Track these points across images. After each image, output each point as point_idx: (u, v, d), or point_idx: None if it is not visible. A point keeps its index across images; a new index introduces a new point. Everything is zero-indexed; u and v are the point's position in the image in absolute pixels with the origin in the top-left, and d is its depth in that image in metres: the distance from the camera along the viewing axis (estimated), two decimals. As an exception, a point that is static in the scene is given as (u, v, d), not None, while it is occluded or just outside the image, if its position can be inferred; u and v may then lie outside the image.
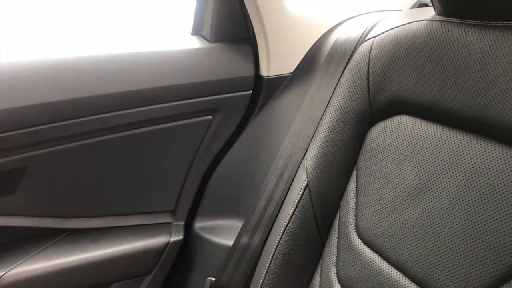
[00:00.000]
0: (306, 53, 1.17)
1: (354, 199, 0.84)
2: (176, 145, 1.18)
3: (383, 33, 0.82)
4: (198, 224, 1.26)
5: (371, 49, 0.83)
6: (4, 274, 1.04)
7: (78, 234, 1.18)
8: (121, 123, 1.10)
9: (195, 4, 1.18)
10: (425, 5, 1.11)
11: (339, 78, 0.91)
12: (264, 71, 1.18)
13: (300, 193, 0.90)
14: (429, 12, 0.77)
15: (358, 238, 0.80)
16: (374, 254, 0.75)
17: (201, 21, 1.20)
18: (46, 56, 1.03)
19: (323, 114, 0.92)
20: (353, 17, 1.16)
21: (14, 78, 0.99)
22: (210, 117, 1.18)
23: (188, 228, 1.27)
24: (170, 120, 1.15)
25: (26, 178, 1.07)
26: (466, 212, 0.62)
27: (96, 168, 1.13)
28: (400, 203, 0.72)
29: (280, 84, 1.19)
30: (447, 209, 0.64)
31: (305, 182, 0.89)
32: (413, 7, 1.20)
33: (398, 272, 0.70)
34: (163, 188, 1.23)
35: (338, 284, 0.82)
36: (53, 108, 1.02)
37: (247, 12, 1.11)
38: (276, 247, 0.92)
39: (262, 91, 1.19)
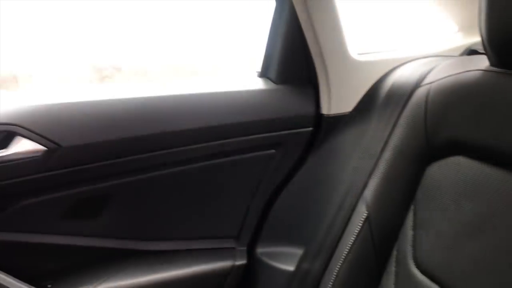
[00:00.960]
0: (364, 94, 1.26)
1: (412, 232, 0.90)
2: (242, 176, 1.29)
3: (439, 80, 0.90)
4: (260, 250, 1.35)
5: (428, 95, 0.91)
6: None
7: (151, 255, 1.30)
8: (192, 156, 1.22)
9: (264, 50, 1.30)
10: (475, 51, 1.17)
11: (397, 119, 0.99)
12: (325, 110, 1.27)
13: (360, 224, 0.98)
14: (482, 62, 0.84)
15: (416, 268, 0.87)
16: (433, 283, 0.81)
17: (268, 64, 1.32)
18: (130, 95, 1.18)
19: (382, 151, 1.00)
20: (408, 62, 1.25)
21: (102, 114, 1.13)
22: (274, 151, 1.29)
23: (250, 253, 1.36)
24: (237, 153, 1.26)
25: (109, 204, 1.20)
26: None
27: (168, 196, 1.26)
28: (460, 238, 0.78)
29: (339, 122, 1.28)
30: (510, 246, 0.70)
31: (365, 214, 0.97)
32: (462, 53, 1.28)
33: None
34: (228, 215, 1.34)
35: (397, 310, 0.89)
36: (135, 142, 1.15)
37: (311, 56, 1.22)
38: (337, 275, 1.00)
39: (322, 128, 1.28)
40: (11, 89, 2.70)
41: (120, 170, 1.18)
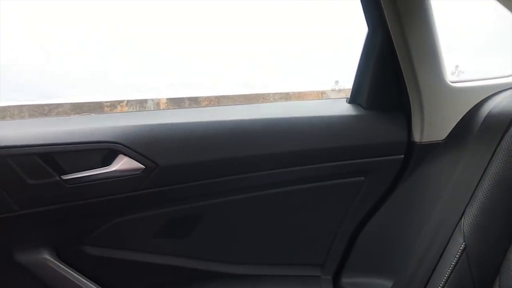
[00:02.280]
0: (459, 122, 1.21)
1: (517, 266, 0.84)
2: (329, 202, 1.28)
3: None
4: (346, 280, 1.32)
5: None
6: None
7: (235, 279, 1.31)
8: (281, 180, 1.23)
9: (354, 75, 1.31)
10: None
11: (496, 147, 0.95)
12: (417, 137, 1.24)
13: (457, 256, 0.93)
14: None
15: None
16: None
17: (358, 90, 1.31)
18: (225, 117, 1.22)
19: (480, 180, 0.95)
20: (504, 90, 1.20)
21: (198, 136, 1.18)
22: (362, 178, 1.27)
23: (336, 282, 1.33)
24: (325, 179, 1.25)
25: (199, 224, 1.24)
26: None
27: (256, 220, 1.27)
28: None
29: (432, 149, 1.23)
30: None
31: (463, 245, 0.92)
32: None
33: None
34: (315, 242, 1.32)
35: None
36: (228, 163, 1.18)
37: (404, 82, 1.20)
38: None
39: (414, 156, 1.25)
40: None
41: (212, 191, 1.21)
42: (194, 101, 3.17)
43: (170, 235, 1.24)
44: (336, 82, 3.41)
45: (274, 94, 3.34)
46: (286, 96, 3.33)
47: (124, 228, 1.19)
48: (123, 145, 1.12)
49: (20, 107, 2.90)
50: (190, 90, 3.17)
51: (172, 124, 1.18)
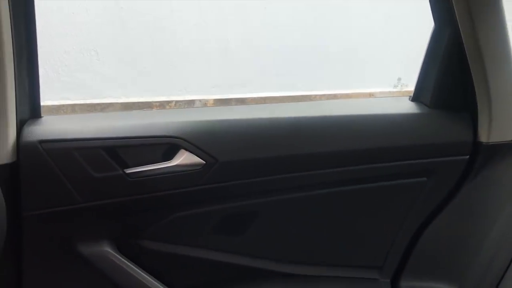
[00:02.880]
0: None
1: None
2: (390, 203, 1.25)
3: None
4: (405, 283, 1.28)
5: None
6: None
7: (290, 278, 1.30)
8: (340, 179, 1.21)
9: (419, 73, 1.27)
10: None
11: None
12: (484, 138, 1.19)
13: None
14: None
15: None
16: None
17: (422, 88, 1.27)
18: (284, 114, 1.21)
19: None
20: None
21: (257, 132, 1.17)
22: (425, 178, 1.23)
23: (394, 286, 1.29)
24: (387, 179, 1.22)
25: (255, 221, 1.23)
26: None
27: (314, 219, 1.25)
28: None
29: (499, 150, 1.18)
30: None
31: None
32: None
33: None
34: (373, 244, 1.29)
35: None
36: (286, 160, 1.17)
37: (472, 81, 1.16)
38: None
39: (480, 157, 1.20)
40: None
41: (270, 188, 1.20)
42: (241, 102, 3.18)
43: (227, 231, 1.24)
44: (399, 79, 3.34)
45: (321, 95, 3.31)
46: (333, 97, 3.30)
47: (182, 223, 1.20)
48: (185, 140, 1.12)
49: (73, 106, 2.99)
50: (237, 91, 3.18)
51: (232, 120, 1.17)
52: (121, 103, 3.06)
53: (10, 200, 1.04)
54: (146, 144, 1.11)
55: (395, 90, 3.46)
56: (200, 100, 3.14)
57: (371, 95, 3.41)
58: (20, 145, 1.05)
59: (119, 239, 1.19)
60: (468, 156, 1.21)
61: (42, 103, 2.76)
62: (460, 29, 1.11)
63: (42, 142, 1.05)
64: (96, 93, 3.07)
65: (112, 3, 3.00)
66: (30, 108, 1.14)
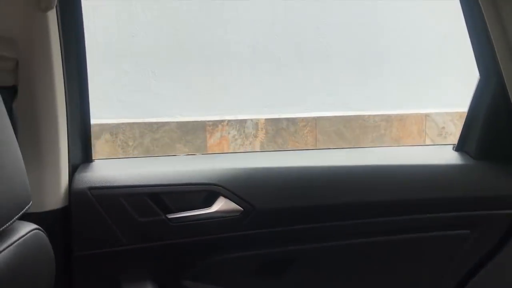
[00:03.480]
0: None
1: None
2: (431, 254, 1.22)
3: None
4: None
5: None
6: None
7: None
8: (378, 230, 1.20)
9: (463, 123, 1.24)
10: None
11: None
12: (532, 192, 1.15)
13: None
14: None
15: None
16: None
17: (467, 137, 1.24)
18: (323, 163, 1.22)
19: None
20: None
21: (294, 181, 1.19)
22: (468, 231, 1.20)
23: None
24: (429, 230, 1.20)
25: (292, 268, 1.25)
26: None
27: (350, 268, 1.25)
28: None
29: None
30: None
31: None
32: None
33: None
34: None
35: None
36: (325, 209, 1.18)
37: None
38: None
39: None
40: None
41: (307, 237, 1.21)
42: (292, 122, 3.19)
43: (264, 277, 1.26)
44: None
45: (375, 116, 3.26)
46: (387, 119, 3.24)
47: (222, 266, 1.24)
48: (224, 187, 1.16)
49: (131, 125, 3.12)
50: (288, 111, 3.20)
51: (269, 169, 1.20)
52: (177, 122, 3.16)
53: (62, 241, 1.12)
54: (187, 191, 1.17)
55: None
56: (251, 120, 3.19)
57: (427, 116, 3.32)
58: (72, 191, 1.13)
59: (162, 279, 1.24)
60: None
61: (102, 121, 2.90)
62: (506, 81, 1.08)
63: (91, 188, 1.13)
64: (153, 112, 3.19)
65: (169, 26, 3.12)
66: (82, 153, 1.22)
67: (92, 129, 3.06)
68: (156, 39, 3.16)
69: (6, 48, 0.95)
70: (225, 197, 1.17)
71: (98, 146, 3.08)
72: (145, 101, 3.22)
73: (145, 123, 3.12)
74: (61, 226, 1.12)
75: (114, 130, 3.09)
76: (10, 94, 1.00)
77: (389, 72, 3.44)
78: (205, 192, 1.17)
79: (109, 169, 1.21)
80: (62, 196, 1.12)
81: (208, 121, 3.16)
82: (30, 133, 1.04)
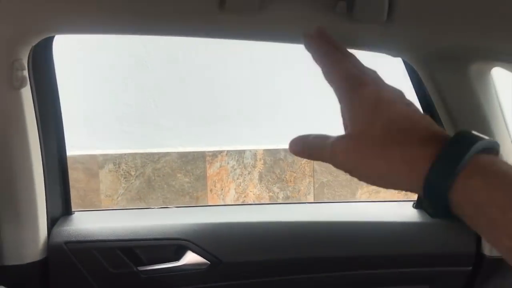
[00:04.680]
0: None
1: None
2: None
3: None
4: None
5: None
6: None
7: None
8: (341, 283, 1.25)
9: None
10: None
11: None
12: (487, 250, 1.18)
13: None
14: None
15: None
16: None
17: (425, 196, 1.29)
18: (286, 218, 1.27)
19: None
20: None
21: (259, 235, 1.25)
22: (427, 286, 1.24)
23: None
24: (390, 285, 1.25)
25: None
26: None
27: None
28: None
29: (502, 264, 1.17)
30: None
31: None
32: None
33: None
34: None
35: None
36: (287, 263, 1.24)
37: None
38: None
39: (483, 269, 1.19)
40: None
41: None
42: (289, 152, 3.24)
43: None
44: None
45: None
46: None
47: None
48: (191, 242, 1.23)
49: (134, 155, 3.22)
50: (285, 143, 3.26)
51: (236, 223, 1.26)
52: (177, 152, 3.25)
53: (40, 293, 1.20)
54: (158, 245, 1.23)
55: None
56: (250, 150, 3.26)
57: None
58: (49, 245, 1.20)
59: None
60: (471, 268, 1.21)
61: (105, 152, 2.99)
62: None
63: (67, 242, 1.21)
64: (155, 143, 3.28)
65: (171, 59, 3.22)
66: (62, 205, 1.30)
67: (96, 159, 3.16)
68: (158, 73, 3.27)
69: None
70: (193, 251, 1.23)
71: (102, 176, 3.19)
72: (147, 132, 3.32)
73: (147, 154, 3.21)
74: (39, 278, 1.20)
75: (117, 160, 3.19)
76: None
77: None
78: (174, 246, 1.24)
79: (86, 222, 1.28)
80: (41, 248, 1.20)
81: (208, 151, 3.24)
82: (8, 196, 1.12)
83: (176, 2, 0.85)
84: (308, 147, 0.48)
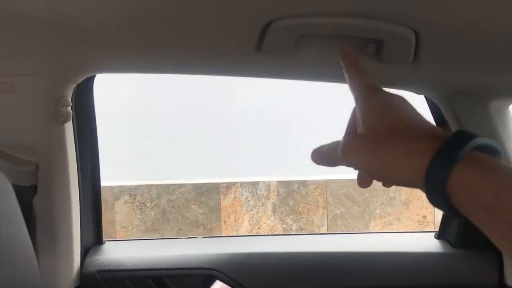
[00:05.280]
0: None
1: None
2: None
3: None
4: None
5: None
6: None
7: None
8: None
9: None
10: None
11: None
12: (509, 280, 1.21)
13: None
14: None
15: None
16: None
17: (447, 226, 1.32)
18: (311, 249, 1.31)
19: None
20: None
21: (287, 265, 1.28)
22: None
23: None
24: None
25: None
26: None
27: None
28: None
29: None
30: None
31: None
32: None
33: None
34: None
35: None
36: None
37: None
38: None
39: None
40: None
41: None
42: (303, 184, 3.29)
43: None
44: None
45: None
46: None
47: None
48: (220, 272, 1.26)
49: (149, 186, 3.27)
50: (298, 173, 3.31)
51: (264, 254, 1.30)
52: (192, 184, 3.30)
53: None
54: (187, 274, 1.27)
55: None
56: (264, 182, 3.30)
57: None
58: (82, 274, 1.24)
59: None
60: None
61: (121, 183, 3.04)
62: None
63: (100, 271, 1.25)
64: (170, 175, 3.34)
65: (185, 92, 3.31)
66: (94, 235, 1.35)
67: (112, 191, 3.21)
68: (174, 106, 3.36)
69: (27, 154, 1.10)
70: (222, 281, 1.26)
71: (118, 207, 3.24)
72: (163, 163, 3.38)
73: (162, 185, 3.26)
74: None
75: (132, 191, 3.24)
76: (31, 192, 1.14)
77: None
78: (203, 275, 1.27)
79: (117, 252, 1.32)
80: (74, 276, 1.24)
81: (222, 183, 3.29)
82: (47, 224, 1.17)
83: (214, 43, 0.91)
84: (325, 152, 0.55)
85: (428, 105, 1.22)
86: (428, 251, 1.29)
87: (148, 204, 3.27)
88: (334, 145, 0.53)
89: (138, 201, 3.26)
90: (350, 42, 0.88)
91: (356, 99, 0.55)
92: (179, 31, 0.84)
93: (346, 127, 0.59)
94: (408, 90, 1.08)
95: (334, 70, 0.97)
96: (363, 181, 0.57)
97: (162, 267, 1.27)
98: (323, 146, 0.56)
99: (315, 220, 3.35)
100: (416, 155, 0.44)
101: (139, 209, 3.27)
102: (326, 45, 0.90)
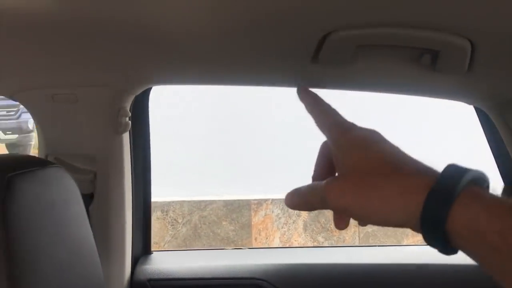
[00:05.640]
0: None
1: None
2: None
3: None
4: None
5: None
6: None
7: None
8: None
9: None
10: None
11: None
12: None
13: None
14: None
15: None
16: None
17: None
18: (361, 260, 1.31)
19: None
20: None
21: (334, 276, 1.28)
22: None
23: None
24: None
25: None
26: None
27: None
28: None
29: None
30: None
31: None
32: None
33: None
34: None
35: None
36: None
37: None
38: None
39: None
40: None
41: None
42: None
43: None
44: None
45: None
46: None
47: None
48: (268, 282, 1.27)
49: (181, 203, 3.31)
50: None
51: (311, 265, 1.31)
52: (223, 200, 3.33)
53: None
54: (235, 284, 1.28)
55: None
56: (295, 199, 3.30)
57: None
58: (133, 282, 1.27)
59: None
60: None
61: (154, 199, 3.09)
62: None
63: (150, 280, 1.27)
64: (201, 191, 3.38)
65: (217, 111, 3.37)
66: (143, 245, 1.38)
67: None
68: (205, 123, 3.42)
69: (86, 163, 1.14)
70: None
71: (150, 223, 3.27)
72: (195, 180, 3.42)
73: (193, 201, 3.30)
74: None
75: (165, 207, 3.29)
76: (87, 200, 1.18)
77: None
78: (251, 285, 1.29)
79: (166, 262, 1.35)
80: (125, 286, 1.26)
81: (253, 199, 3.31)
82: (102, 231, 1.20)
83: (273, 55, 0.94)
84: (303, 196, 0.51)
85: (478, 115, 1.22)
86: (458, 263, 1.28)
87: (180, 220, 3.31)
88: (314, 186, 0.50)
89: (170, 217, 3.30)
90: (406, 53, 0.90)
91: (329, 138, 0.52)
92: (243, 44, 0.86)
93: (314, 167, 0.56)
94: (460, 101, 1.09)
95: (389, 80, 0.99)
96: (341, 222, 0.53)
97: (211, 276, 1.28)
98: (300, 188, 0.52)
99: (347, 238, 3.33)
100: (408, 193, 0.41)
101: (171, 225, 3.31)
102: (383, 56, 0.92)
